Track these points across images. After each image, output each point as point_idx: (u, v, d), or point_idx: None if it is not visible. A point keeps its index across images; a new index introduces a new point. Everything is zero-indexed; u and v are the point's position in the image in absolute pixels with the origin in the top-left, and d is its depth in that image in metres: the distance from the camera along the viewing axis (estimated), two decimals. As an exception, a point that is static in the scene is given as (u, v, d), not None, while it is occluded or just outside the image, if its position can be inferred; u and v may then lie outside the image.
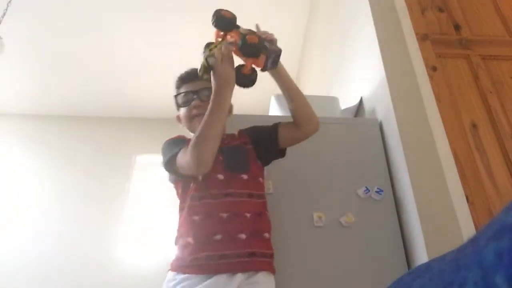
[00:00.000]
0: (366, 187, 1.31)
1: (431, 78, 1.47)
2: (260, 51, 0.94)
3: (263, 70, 0.99)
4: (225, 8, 0.97)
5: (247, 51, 0.93)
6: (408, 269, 1.19)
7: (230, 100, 0.97)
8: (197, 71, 1.03)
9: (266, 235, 1.02)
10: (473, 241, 0.33)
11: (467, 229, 1.13)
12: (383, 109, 1.44)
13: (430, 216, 1.15)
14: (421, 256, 1.12)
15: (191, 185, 1.04)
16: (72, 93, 3.83)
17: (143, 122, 4.13)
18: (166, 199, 3.75)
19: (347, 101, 1.80)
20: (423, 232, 1.12)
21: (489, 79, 1.53)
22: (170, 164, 1.02)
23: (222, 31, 0.97)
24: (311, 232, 1.23)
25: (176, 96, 1.16)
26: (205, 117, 0.93)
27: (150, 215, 3.63)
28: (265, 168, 1.17)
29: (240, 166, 1.07)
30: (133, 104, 4.02)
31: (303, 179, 1.33)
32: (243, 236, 0.96)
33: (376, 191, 1.30)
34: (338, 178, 1.34)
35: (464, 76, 1.54)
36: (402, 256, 1.21)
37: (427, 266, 0.45)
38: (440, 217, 1.16)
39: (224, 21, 0.95)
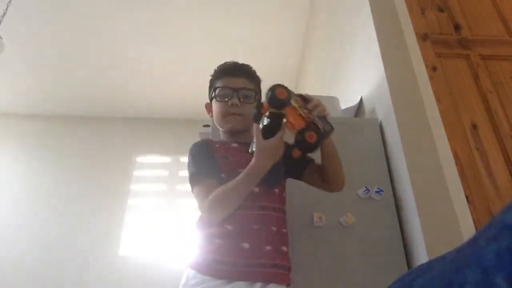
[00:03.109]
0: (366, 187, 1.30)
1: (431, 78, 1.47)
2: (315, 148, 0.92)
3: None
4: (282, 85, 0.92)
5: (301, 147, 0.91)
6: (408, 269, 1.19)
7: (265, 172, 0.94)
8: (241, 66, 1.10)
9: (284, 248, 1.01)
10: (473, 241, 0.33)
11: (467, 229, 1.13)
12: (383, 109, 1.44)
13: (430, 216, 1.15)
14: (421, 256, 1.12)
15: None
16: (71, 93, 3.83)
17: (143, 122, 4.12)
18: (166, 200, 3.76)
19: (347, 101, 1.80)
20: (423, 232, 1.12)
21: (489, 79, 1.53)
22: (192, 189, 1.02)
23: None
24: (311, 232, 1.23)
25: (214, 88, 1.13)
26: (237, 182, 0.91)
27: (150, 216, 3.63)
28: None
29: (275, 181, 1.04)
30: (133, 104, 4.02)
31: (303, 179, 1.32)
32: (268, 247, 0.95)
33: (376, 191, 1.30)
34: (338, 178, 1.33)
35: (464, 76, 1.54)
36: (402, 256, 1.21)
37: (427, 266, 0.45)
38: (440, 217, 1.16)
39: (276, 101, 0.91)
